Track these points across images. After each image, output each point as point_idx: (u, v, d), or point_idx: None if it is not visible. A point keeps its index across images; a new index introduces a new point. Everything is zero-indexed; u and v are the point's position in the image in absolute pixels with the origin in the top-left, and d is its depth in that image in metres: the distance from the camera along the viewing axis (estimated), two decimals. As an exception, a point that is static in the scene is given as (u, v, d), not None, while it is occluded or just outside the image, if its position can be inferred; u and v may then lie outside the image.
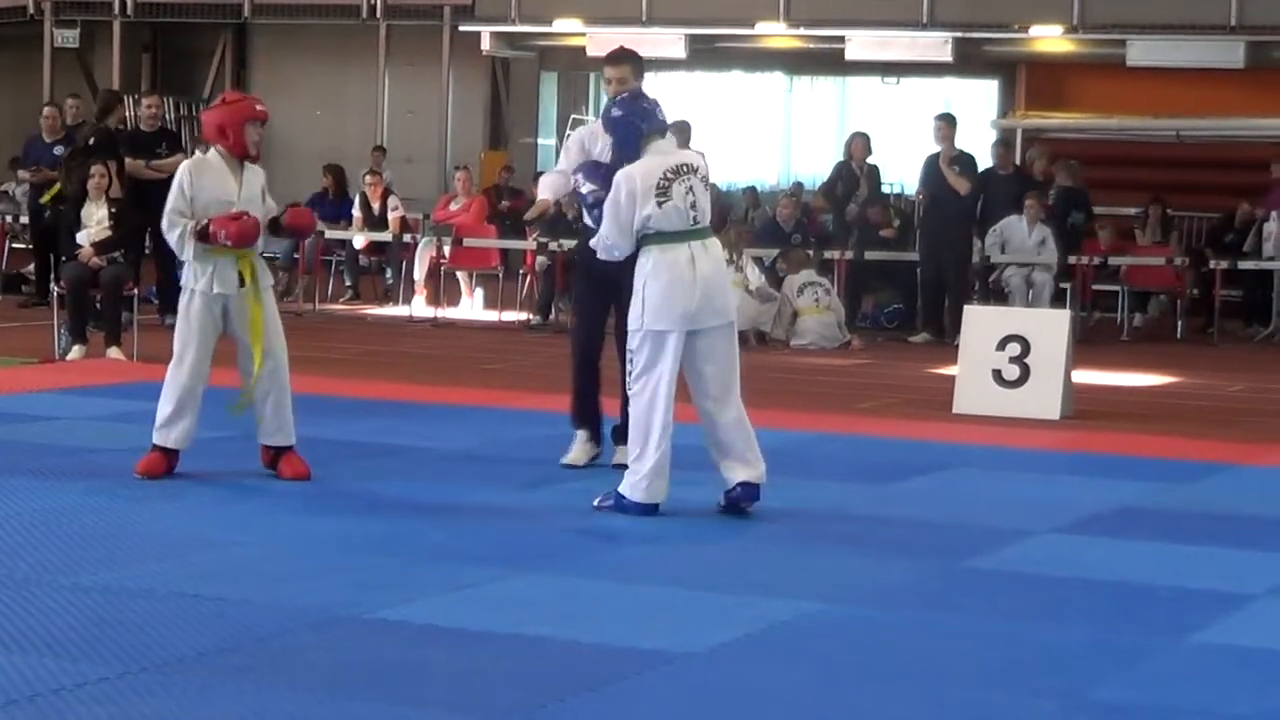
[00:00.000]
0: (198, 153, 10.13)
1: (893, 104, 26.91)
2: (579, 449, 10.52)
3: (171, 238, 9.84)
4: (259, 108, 10.05)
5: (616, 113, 9.56)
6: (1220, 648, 7.11)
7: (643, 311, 9.26)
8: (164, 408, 9.81)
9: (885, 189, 21.64)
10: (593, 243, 9.62)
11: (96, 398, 12.87)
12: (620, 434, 10.15)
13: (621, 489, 9.29)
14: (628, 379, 9.37)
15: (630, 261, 9.52)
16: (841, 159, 21.11)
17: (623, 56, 10.26)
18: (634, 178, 9.27)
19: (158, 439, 9.82)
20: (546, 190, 10.66)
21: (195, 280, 9.80)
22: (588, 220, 9.85)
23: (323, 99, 28.09)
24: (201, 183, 9.82)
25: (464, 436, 11.60)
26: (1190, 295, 21.14)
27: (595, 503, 9.38)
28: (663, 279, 9.25)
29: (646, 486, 9.22)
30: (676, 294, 9.20)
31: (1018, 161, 21.35)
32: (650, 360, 9.25)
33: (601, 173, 9.70)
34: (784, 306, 18.69)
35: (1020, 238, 19.69)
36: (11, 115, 27.05)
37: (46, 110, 20.81)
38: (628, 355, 9.39)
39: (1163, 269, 21.15)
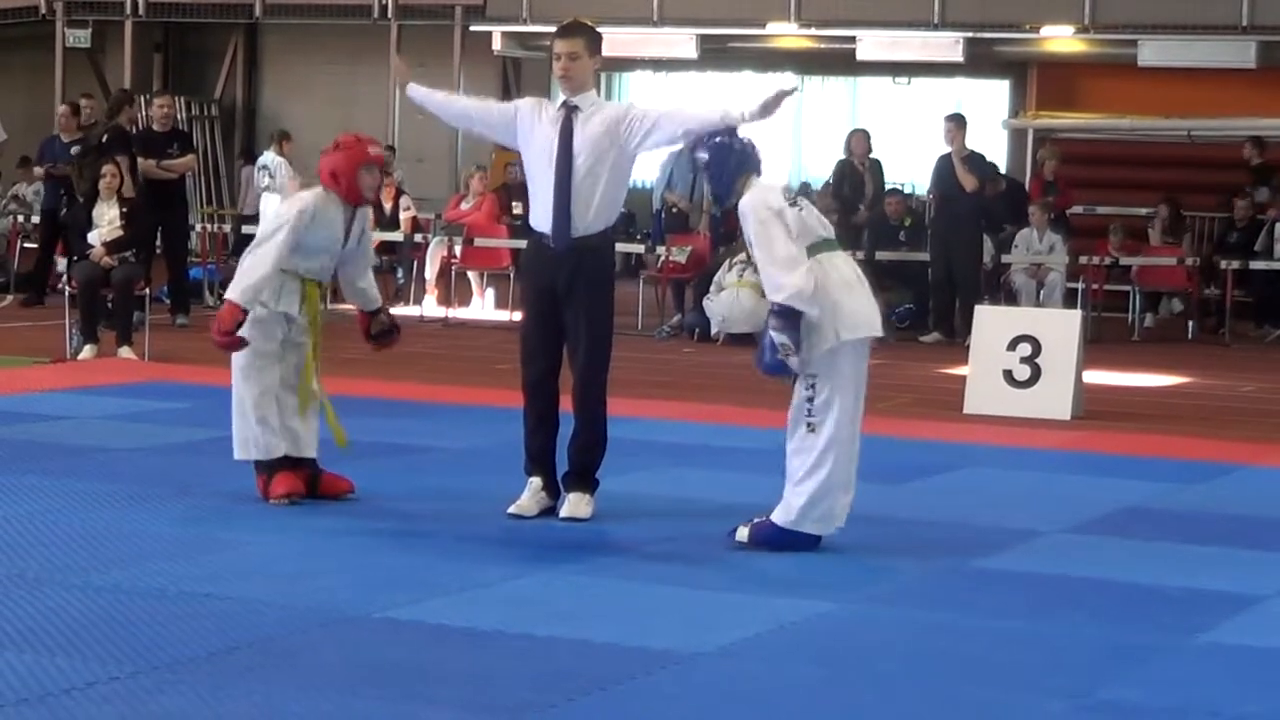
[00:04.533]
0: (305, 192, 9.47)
1: (904, 104, 26.89)
2: (530, 498, 9.14)
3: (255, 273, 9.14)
4: (373, 151, 9.43)
5: (704, 155, 8.98)
6: (1230, 648, 7.11)
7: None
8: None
9: (897, 189, 21.52)
10: (784, 296, 8.59)
11: (108, 397, 12.89)
12: (577, 479, 9.16)
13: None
14: (807, 411, 8.69)
15: (584, 267, 8.93)
16: (842, 157, 21.02)
17: (575, 29, 9.25)
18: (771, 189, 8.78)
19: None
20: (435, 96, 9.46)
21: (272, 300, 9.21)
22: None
23: (334, 99, 28.06)
24: (314, 226, 9.23)
25: (475, 436, 11.60)
26: (1202, 295, 21.10)
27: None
28: None
29: None
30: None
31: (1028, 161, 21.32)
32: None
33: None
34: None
35: (1032, 246, 19.79)
36: (23, 115, 27.03)
37: (61, 109, 20.77)
38: (808, 381, 8.64)
39: (1174, 269, 21.11)
